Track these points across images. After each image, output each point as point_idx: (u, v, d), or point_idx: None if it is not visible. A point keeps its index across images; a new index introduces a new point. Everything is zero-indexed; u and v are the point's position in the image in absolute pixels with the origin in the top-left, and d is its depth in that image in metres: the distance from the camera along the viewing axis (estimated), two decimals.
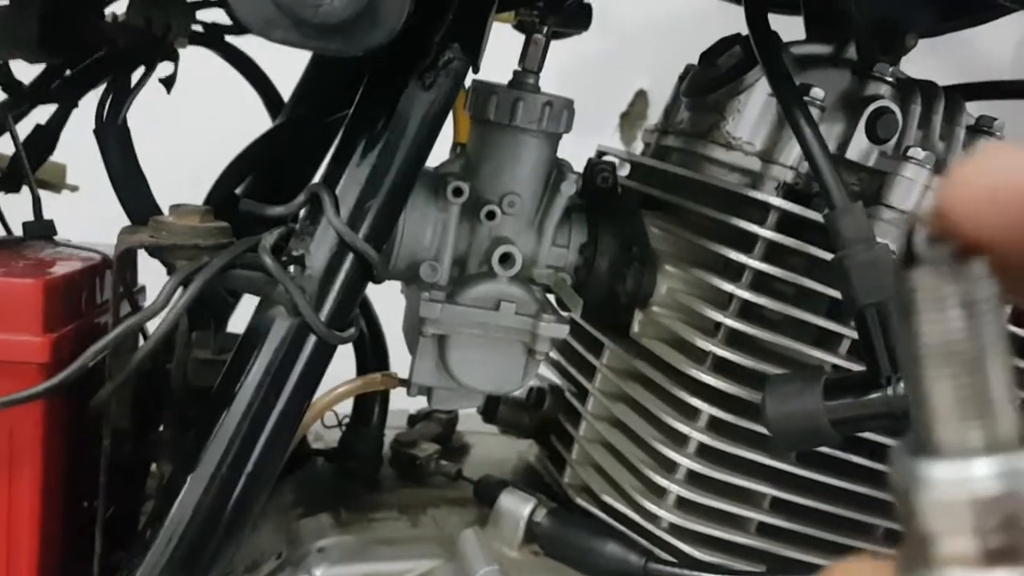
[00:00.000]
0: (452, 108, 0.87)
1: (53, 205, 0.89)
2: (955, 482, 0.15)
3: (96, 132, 0.69)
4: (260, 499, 0.63)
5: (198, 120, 1.33)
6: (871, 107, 0.73)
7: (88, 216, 0.81)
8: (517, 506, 0.80)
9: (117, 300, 0.57)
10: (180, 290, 0.58)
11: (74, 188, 1.01)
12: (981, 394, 0.16)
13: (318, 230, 0.62)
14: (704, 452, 0.74)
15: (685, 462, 0.74)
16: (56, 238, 0.71)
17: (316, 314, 0.61)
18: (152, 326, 0.89)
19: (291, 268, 0.61)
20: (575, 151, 0.85)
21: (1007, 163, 0.16)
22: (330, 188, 0.63)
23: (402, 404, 0.93)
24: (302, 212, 0.65)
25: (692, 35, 0.86)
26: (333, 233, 0.62)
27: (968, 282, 0.16)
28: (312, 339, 0.62)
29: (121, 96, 0.69)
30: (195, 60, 0.87)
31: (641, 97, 0.97)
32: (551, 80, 0.77)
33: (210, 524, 0.60)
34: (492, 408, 0.96)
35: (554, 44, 0.97)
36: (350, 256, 0.62)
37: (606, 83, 1.02)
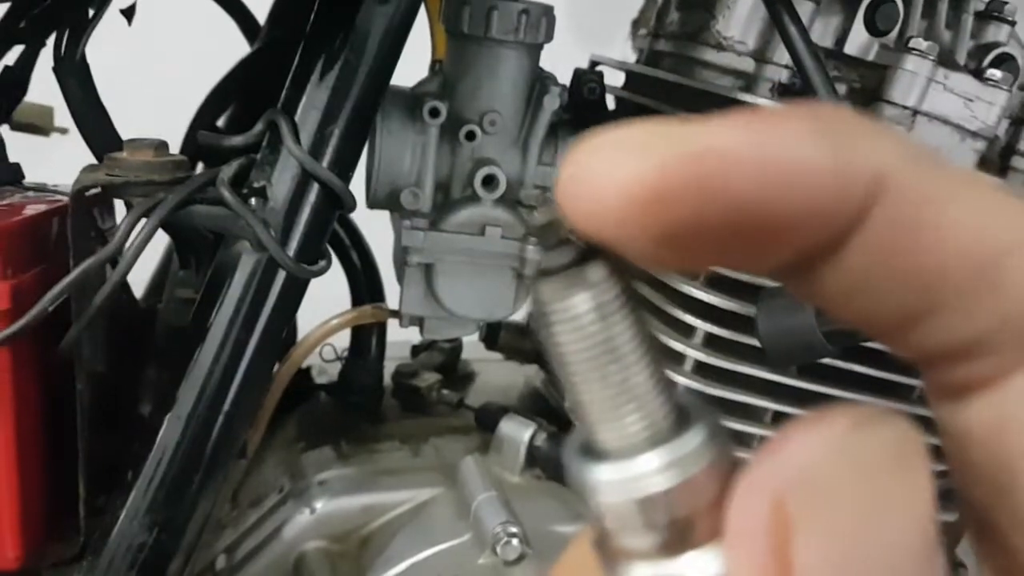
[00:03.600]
0: (428, 22, 0.84)
1: (59, 148, 0.88)
2: (620, 483, 0.15)
3: (55, 69, 0.66)
4: (241, 435, 0.62)
5: (179, 51, 1.31)
6: None
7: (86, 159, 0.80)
8: (517, 431, 0.79)
9: (76, 242, 0.56)
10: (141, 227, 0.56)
11: (63, 131, 0.99)
12: (629, 392, 0.16)
13: (279, 159, 0.60)
14: (701, 370, 0.71)
15: (683, 381, 0.71)
16: (25, 182, 0.70)
17: (283, 248, 0.59)
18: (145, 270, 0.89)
19: (253, 201, 0.59)
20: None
21: (602, 162, 0.15)
22: (288, 114, 0.60)
23: (405, 335, 0.92)
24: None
25: None
26: (294, 162, 0.59)
27: (590, 286, 0.15)
28: (282, 274, 0.60)
29: (78, 31, 0.67)
30: None
31: (652, 4, 0.92)
32: None
33: (190, 463, 0.60)
34: (493, 335, 0.95)
35: None
36: (314, 186, 0.60)
37: None
